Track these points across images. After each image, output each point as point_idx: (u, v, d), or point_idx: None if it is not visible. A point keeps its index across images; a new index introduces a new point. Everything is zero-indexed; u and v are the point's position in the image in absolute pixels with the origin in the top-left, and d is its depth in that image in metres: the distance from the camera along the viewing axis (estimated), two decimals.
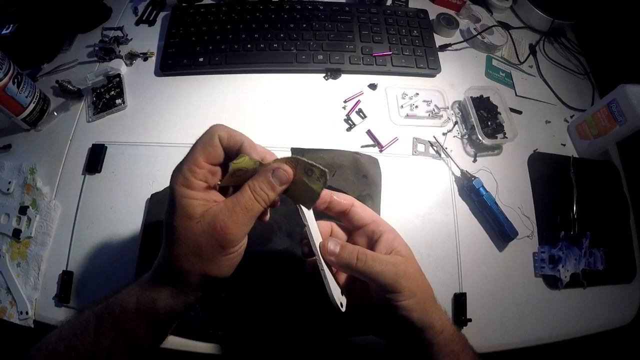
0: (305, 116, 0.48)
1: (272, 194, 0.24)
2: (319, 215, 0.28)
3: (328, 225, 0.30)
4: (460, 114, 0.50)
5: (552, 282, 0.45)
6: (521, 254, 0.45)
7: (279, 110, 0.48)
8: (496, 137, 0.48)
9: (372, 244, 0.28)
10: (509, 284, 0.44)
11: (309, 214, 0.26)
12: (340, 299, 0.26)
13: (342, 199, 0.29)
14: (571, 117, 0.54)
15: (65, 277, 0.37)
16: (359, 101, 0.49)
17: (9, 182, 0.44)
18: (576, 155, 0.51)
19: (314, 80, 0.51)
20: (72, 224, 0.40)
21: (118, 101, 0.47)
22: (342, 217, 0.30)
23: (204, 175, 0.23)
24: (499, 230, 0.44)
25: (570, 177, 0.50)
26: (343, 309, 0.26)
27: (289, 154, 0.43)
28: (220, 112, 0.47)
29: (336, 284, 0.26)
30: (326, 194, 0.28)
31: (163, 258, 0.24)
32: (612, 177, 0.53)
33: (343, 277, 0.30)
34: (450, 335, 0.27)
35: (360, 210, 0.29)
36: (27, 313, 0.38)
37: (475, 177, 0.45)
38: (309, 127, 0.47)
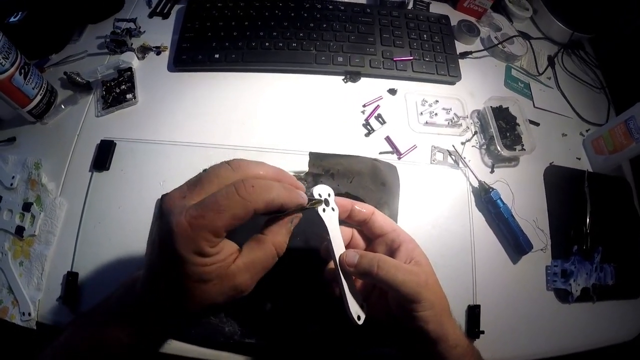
0: (323, 119, 0.47)
1: (288, 238, 0.23)
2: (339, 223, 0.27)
3: (349, 231, 0.30)
4: (479, 123, 0.49)
5: (563, 296, 0.45)
6: (534, 267, 0.45)
7: (296, 111, 0.47)
8: (514, 149, 0.47)
9: (391, 253, 0.28)
10: (522, 297, 0.44)
11: (331, 225, 0.25)
12: (357, 312, 0.26)
13: (363, 208, 0.29)
14: (587, 131, 0.54)
15: (70, 279, 0.36)
16: (378, 106, 0.48)
17: (13, 177, 0.42)
18: (591, 170, 0.51)
19: (333, 83, 0.49)
20: (78, 223, 0.38)
21: (129, 96, 0.46)
22: (362, 226, 0.30)
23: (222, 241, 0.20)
24: (515, 243, 0.44)
25: (584, 192, 0.49)
26: (360, 322, 0.25)
27: (306, 158, 0.44)
28: (235, 111, 0.46)
29: (354, 297, 0.26)
30: (348, 203, 0.28)
31: (160, 308, 0.21)
32: (624, 193, 0.54)
33: (360, 284, 0.30)
34: (463, 350, 0.27)
35: (381, 219, 0.29)
36: (29, 314, 0.36)
37: (493, 189, 0.44)
38: (327, 130, 0.46)
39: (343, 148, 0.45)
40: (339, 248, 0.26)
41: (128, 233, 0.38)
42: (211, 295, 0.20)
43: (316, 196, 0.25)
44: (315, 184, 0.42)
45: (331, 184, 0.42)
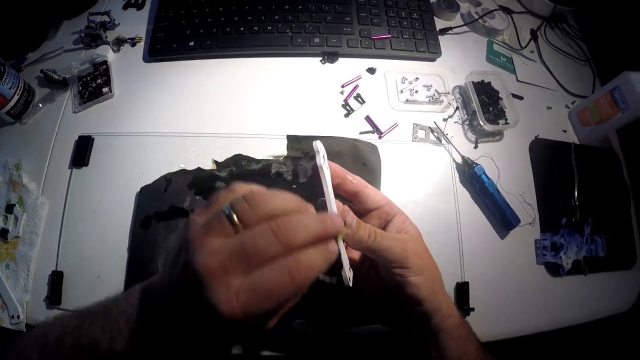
0: (301, 101, 0.46)
1: None
2: None
3: (340, 205, 0.29)
4: (461, 99, 0.49)
5: (554, 269, 0.45)
6: (523, 242, 0.44)
7: (273, 95, 0.46)
8: (498, 123, 0.47)
9: (383, 227, 0.28)
10: (511, 272, 0.43)
11: (327, 182, 0.25)
12: (349, 272, 0.25)
13: (355, 179, 0.28)
14: (572, 103, 0.54)
15: (55, 278, 0.36)
16: (357, 86, 0.48)
17: None
18: (577, 142, 0.51)
19: (311, 65, 0.49)
20: (60, 222, 0.38)
21: (105, 89, 0.45)
22: (353, 199, 0.29)
23: None
24: (501, 218, 0.43)
25: (571, 164, 0.49)
26: (351, 283, 0.25)
27: (285, 142, 0.43)
28: (211, 98, 0.45)
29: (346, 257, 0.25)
30: (340, 170, 0.28)
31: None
32: (613, 163, 0.53)
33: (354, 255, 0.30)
34: (457, 320, 0.27)
35: (374, 193, 0.29)
36: (18, 317, 0.36)
37: (477, 164, 0.44)
38: (306, 112, 0.45)
39: (322, 130, 0.44)
40: (334, 205, 0.25)
41: (108, 228, 0.38)
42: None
43: (317, 149, 0.25)
44: (295, 167, 0.42)
45: (310, 166, 0.42)
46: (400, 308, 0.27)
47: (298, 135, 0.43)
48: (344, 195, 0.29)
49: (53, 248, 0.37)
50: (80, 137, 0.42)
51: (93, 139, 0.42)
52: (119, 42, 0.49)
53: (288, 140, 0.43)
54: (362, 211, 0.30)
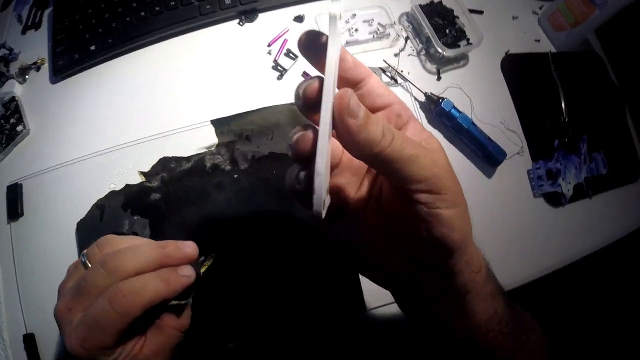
0: (225, 76, 0.39)
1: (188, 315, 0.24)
2: None
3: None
4: (410, 27, 0.41)
5: (555, 199, 0.39)
6: (514, 176, 0.39)
7: (192, 78, 0.39)
8: (458, 46, 0.39)
9: None
10: (506, 213, 0.38)
11: (333, 45, 0.16)
12: (324, 195, 0.15)
13: (356, 63, 0.18)
14: (540, 8, 0.46)
15: (28, 341, 0.34)
16: (285, 40, 0.40)
17: None
18: (554, 50, 0.44)
19: (228, 30, 0.41)
20: (16, 282, 0.35)
21: (19, 128, 0.38)
22: (355, 91, 0.18)
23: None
24: (484, 154, 0.37)
25: (552, 76, 0.42)
26: (323, 213, 0.15)
27: (211, 129, 0.36)
28: (126, 101, 0.39)
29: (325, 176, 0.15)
30: (342, 49, 0.17)
31: None
32: (597, 68, 0.46)
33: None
34: (486, 272, 0.19)
35: (379, 85, 0.19)
36: None
37: (443, 98, 0.37)
38: (233, 87, 0.38)
39: (254, 102, 0.37)
40: (331, 89, 0.15)
41: (61, 272, 0.35)
42: None
43: (334, 14, 0.16)
44: (232, 153, 0.36)
45: (249, 148, 0.36)
46: (413, 261, 0.18)
47: (224, 117, 0.37)
48: (340, 86, 0.18)
49: (18, 311, 0.35)
50: (8, 187, 0.37)
51: (21, 184, 0.37)
52: (23, 72, 0.41)
53: (214, 125, 0.36)
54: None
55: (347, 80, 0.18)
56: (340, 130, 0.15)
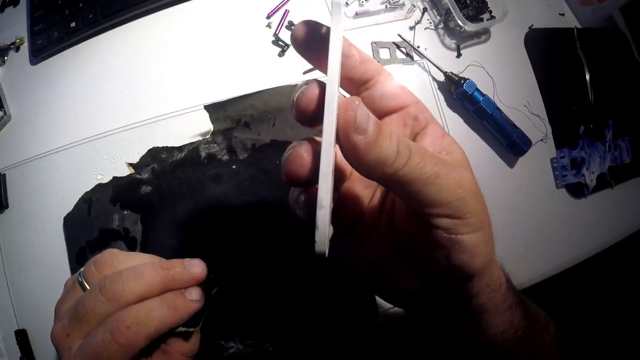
0: (219, 53, 0.34)
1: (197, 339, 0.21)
2: None
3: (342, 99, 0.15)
4: None
5: (577, 190, 0.37)
6: (537, 165, 0.36)
7: (184, 55, 0.34)
8: (481, 19, 0.35)
9: (411, 139, 0.16)
10: (528, 206, 0.35)
11: (335, 39, 0.13)
12: (328, 230, 0.12)
13: (363, 57, 0.15)
14: None
15: (20, 338, 0.33)
16: (287, 11, 0.35)
17: None
18: (579, 26, 0.40)
19: (222, 1, 0.35)
20: (4, 277, 0.34)
21: (0, 114, 0.35)
22: (359, 92, 0.16)
23: None
24: (508, 142, 0.34)
25: (577, 54, 0.38)
26: (327, 250, 0.13)
27: (205, 114, 0.32)
28: (112, 82, 0.35)
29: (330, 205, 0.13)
30: (347, 42, 0.14)
31: None
32: (623, 47, 0.43)
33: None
34: (505, 287, 0.17)
35: (392, 83, 0.16)
36: None
37: (465, 79, 0.33)
38: (228, 66, 0.34)
39: (253, 83, 0.33)
40: (335, 97, 0.12)
41: (50, 271, 0.34)
42: None
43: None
44: (229, 141, 0.32)
45: (248, 136, 0.32)
46: (431, 278, 0.16)
47: (220, 102, 0.32)
48: (346, 86, 0.16)
49: (8, 307, 0.34)
50: None
51: (4, 174, 0.35)
52: (1, 52, 0.37)
53: (208, 111, 0.32)
54: (373, 113, 0.15)
55: (353, 80, 0.15)
56: (345, 148, 0.12)
